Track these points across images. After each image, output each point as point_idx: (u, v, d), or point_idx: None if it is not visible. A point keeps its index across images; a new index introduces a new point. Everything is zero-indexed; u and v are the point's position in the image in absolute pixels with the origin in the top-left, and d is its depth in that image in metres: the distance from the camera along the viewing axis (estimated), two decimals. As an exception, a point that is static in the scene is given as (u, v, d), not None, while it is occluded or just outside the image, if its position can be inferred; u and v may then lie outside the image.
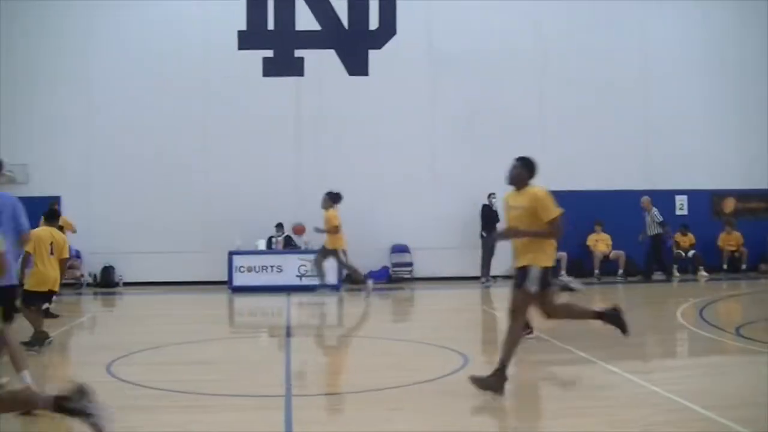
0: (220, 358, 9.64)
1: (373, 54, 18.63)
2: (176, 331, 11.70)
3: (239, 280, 16.94)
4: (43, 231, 9.63)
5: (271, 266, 17.08)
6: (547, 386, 8.04)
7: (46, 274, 9.42)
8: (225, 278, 17.14)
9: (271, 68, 18.40)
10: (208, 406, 7.05)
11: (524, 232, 7.16)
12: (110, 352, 9.31)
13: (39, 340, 9.44)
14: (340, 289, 16.38)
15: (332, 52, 18.55)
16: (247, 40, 18.39)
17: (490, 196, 17.43)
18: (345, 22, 18.61)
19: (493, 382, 7.01)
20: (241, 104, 18.22)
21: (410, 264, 18.31)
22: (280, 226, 17.60)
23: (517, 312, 7.23)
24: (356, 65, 18.61)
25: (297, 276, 17.02)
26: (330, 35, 18.60)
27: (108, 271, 17.93)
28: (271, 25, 18.53)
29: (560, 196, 7.59)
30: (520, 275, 7.18)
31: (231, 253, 17.07)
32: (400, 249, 18.34)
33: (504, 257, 13.16)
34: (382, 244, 18.26)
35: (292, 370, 8.75)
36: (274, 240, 17.62)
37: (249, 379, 8.27)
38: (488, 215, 17.58)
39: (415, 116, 18.55)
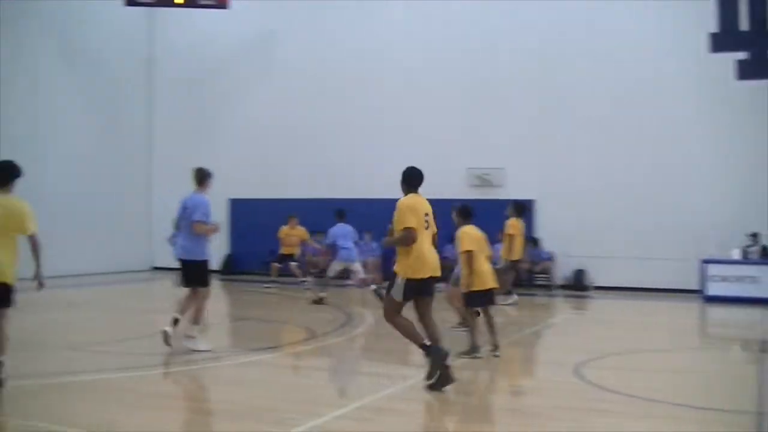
0: (689, 368, 9.37)
1: None
2: (646, 338, 11.63)
3: (714, 289, 16.14)
4: (472, 229, 9.49)
5: (746, 277, 16.00)
6: None
7: (485, 272, 9.50)
8: (696, 287, 16.53)
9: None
10: (677, 417, 6.88)
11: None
12: (578, 355, 9.54)
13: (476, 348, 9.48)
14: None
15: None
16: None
17: None
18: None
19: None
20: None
21: None
22: (754, 236, 16.35)
23: None
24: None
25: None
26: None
27: (580, 274, 18.39)
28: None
29: None
30: None
31: (705, 262, 16.36)
32: None
33: None
34: None
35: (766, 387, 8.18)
36: (748, 249, 16.42)
37: (718, 392, 7.92)
38: None
39: None
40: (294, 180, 21.02)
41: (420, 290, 7.67)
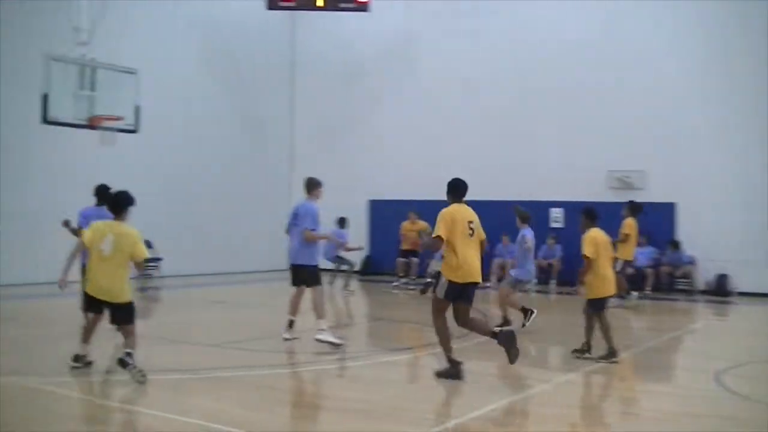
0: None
1: None
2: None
3: None
4: (598, 233, 9.49)
5: None
6: None
7: (608, 278, 9.43)
8: None
9: None
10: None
11: None
12: (719, 362, 9.45)
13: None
14: None
15: None
16: None
17: None
18: None
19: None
20: None
21: None
22: None
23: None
24: None
25: None
26: None
27: (722, 279, 17.89)
28: None
29: None
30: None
31: None
32: None
33: None
34: None
35: None
36: None
37: None
38: None
39: None
40: (433, 181, 21.12)
41: (460, 294, 8.16)
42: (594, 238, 9.33)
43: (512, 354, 8.13)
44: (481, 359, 9.10)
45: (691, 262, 18.14)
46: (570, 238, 18.17)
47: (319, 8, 21.66)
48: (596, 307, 9.42)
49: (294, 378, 8.98)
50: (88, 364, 8.38)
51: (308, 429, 6.97)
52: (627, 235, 14.74)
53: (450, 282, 8.10)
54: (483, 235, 8.42)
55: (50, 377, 8.05)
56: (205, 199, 20.86)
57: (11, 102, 16.41)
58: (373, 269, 22.11)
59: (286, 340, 10.42)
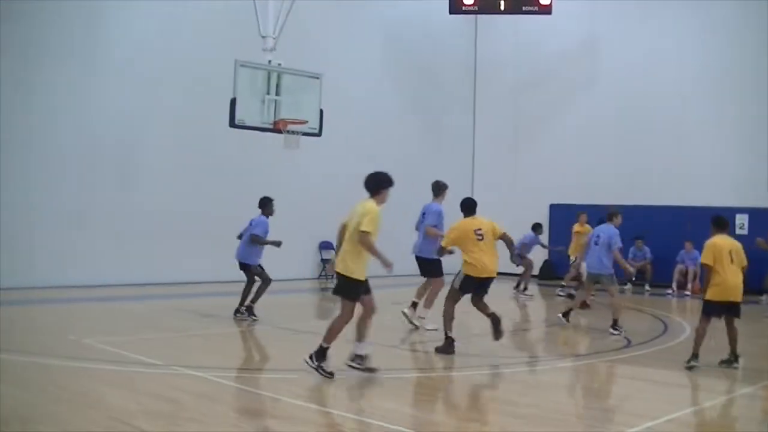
0: None
1: None
2: None
3: None
4: (721, 240, 9.26)
5: None
6: None
7: (727, 284, 9.05)
8: None
9: None
10: None
11: None
12: None
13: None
14: None
15: None
16: None
17: None
18: None
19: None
20: None
21: None
22: None
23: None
24: None
25: None
26: None
27: None
28: None
29: None
30: None
31: None
32: None
33: None
34: None
35: None
36: None
37: None
38: None
39: None
40: (612, 185, 20.83)
41: (477, 286, 10.00)
42: (713, 245, 9.16)
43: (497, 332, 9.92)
44: (664, 367, 8.78)
45: None
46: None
47: (501, 12, 21.55)
48: (710, 310, 9.19)
49: (462, 381, 8.91)
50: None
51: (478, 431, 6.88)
52: None
53: (467, 276, 9.88)
54: (499, 233, 10.10)
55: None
56: (386, 204, 21.01)
57: (201, 107, 17.33)
58: (552, 274, 21.74)
59: (428, 330, 11.39)
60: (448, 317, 9.93)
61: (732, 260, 9.04)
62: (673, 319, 14.02)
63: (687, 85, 20.15)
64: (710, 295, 9.11)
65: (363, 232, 7.89)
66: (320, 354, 7.90)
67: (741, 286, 9.13)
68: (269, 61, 13.94)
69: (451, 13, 21.83)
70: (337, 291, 8.17)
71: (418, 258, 12.00)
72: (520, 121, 23.51)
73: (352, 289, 7.97)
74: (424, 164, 22.53)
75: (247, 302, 12.34)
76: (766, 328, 13.38)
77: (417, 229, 12.23)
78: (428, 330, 11.34)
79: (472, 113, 24.72)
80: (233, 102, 13.27)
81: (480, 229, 9.92)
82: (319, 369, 7.87)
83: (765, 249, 14.11)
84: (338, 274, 8.06)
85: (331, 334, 7.97)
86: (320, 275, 20.29)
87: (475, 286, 9.94)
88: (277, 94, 13.88)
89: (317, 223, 18.69)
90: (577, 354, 11.01)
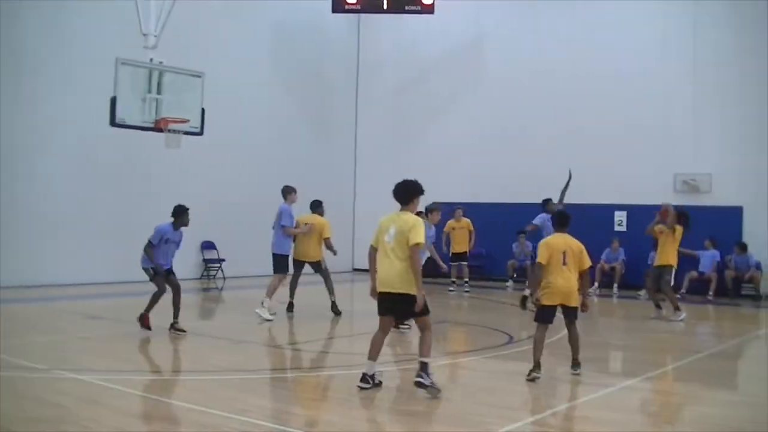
0: None
1: None
2: None
3: None
4: (556, 239, 8.72)
5: None
6: None
7: (558, 285, 8.54)
8: None
9: None
10: None
11: None
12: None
13: None
14: None
15: None
16: None
17: None
18: None
19: None
20: None
21: None
22: None
23: None
24: None
25: None
26: None
27: (790, 285, 17.42)
28: None
29: None
30: None
31: None
32: None
33: None
34: None
35: None
36: None
37: None
38: None
39: None
40: (498, 185, 21.26)
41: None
42: (546, 244, 8.67)
43: None
44: (548, 363, 9.04)
45: (758, 266, 17.72)
46: (633, 242, 18.06)
47: (384, 11, 21.83)
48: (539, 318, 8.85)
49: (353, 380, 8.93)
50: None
51: (365, 430, 7.01)
52: None
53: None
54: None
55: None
56: (269, 201, 20.89)
57: (81, 105, 16.87)
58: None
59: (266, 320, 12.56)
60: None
61: (565, 262, 8.50)
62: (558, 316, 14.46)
63: (575, 84, 20.55)
64: (543, 299, 8.63)
65: (417, 244, 7.55)
66: (425, 369, 7.59)
67: (574, 289, 8.57)
68: (151, 59, 13.78)
69: (333, 11, 21.95)
70: (409, 314, 7.77)
71: (274, 255, 13.50)
72: (402, 119, 23.86)
73: (423, 304, 7.60)
74: (308, 162, 22.59)
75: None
76: (646, 322, 13.82)
77: (273, 228, 13.61)
78: (265, 319, 12.54)
79: (355, 112, 24.98)
80: (113, 100, 13.05)
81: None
82: (433, 385, 7.54)
83: (671, 213, 13.93)
84: (401, 294, 7.60)
85: (428, 348, 7.69)
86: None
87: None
88: (158, 92, 13.73)
89: (199, 223, 18.44)
90: (458, 351, 11.26)
